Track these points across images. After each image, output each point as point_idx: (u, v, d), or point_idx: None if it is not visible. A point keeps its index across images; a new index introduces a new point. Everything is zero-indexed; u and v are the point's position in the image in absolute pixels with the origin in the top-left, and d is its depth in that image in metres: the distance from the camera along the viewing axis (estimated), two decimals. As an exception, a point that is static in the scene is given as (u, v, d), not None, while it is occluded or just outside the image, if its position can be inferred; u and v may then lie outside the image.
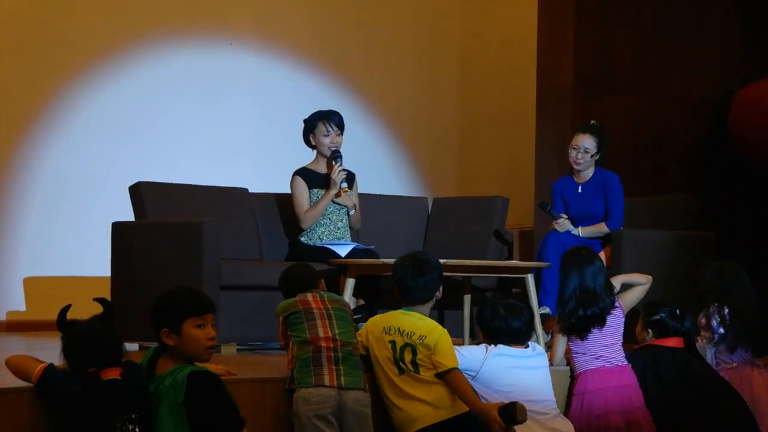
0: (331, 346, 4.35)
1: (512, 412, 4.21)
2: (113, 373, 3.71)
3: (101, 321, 3.82)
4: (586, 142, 6.28)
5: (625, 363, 4.95)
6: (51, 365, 3.74)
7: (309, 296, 4.52)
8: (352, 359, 4.39)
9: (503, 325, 4.74)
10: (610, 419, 4.80)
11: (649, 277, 5.29)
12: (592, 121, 6.47)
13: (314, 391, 4.26)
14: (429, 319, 4.62)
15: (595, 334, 4.95)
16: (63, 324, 3.79)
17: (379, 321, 4.62)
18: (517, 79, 9.61)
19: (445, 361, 4.46)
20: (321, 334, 4.37)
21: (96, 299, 3.91)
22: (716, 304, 5.19)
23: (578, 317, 4.93)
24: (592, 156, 6.31)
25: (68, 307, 3.82)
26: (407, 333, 4.51)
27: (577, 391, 4.90)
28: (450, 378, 4.45)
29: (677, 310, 5.06)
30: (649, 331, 5.10)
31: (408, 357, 4.48)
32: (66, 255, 8.11)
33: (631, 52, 8.30)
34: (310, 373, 4.29)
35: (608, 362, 4.92)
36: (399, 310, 4.63)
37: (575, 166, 6.32)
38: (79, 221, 8.12)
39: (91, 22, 8.36)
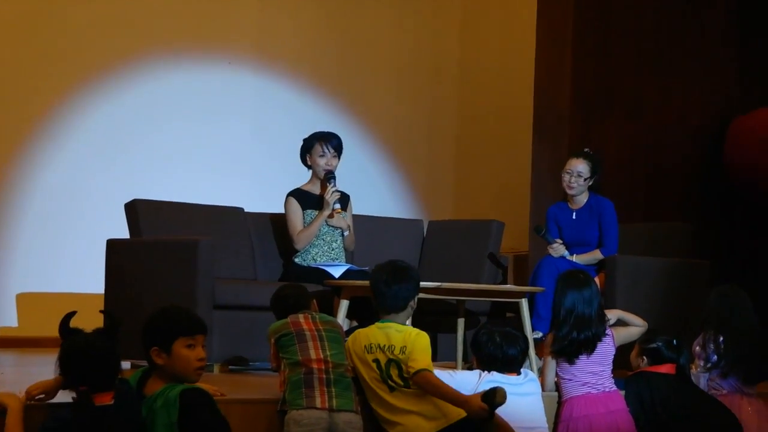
0: (323, 368, 4.34)
1: (492, 397, 4.27)
2: (105, 399, 3.63)
3: (103, 336, 3.74)
4: (580, 167, 6.30)
5: (614, 389, 4.94)
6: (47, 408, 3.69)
7: (301, 317, 4.51)
8: (343, 381, 4.38)
9: (498, 353, 4.74)
10: None
11: (645, 323, 5.29)
12: (586, 149, 6.49)
13: (306, 413, 4.25)
14: (406, 327, 4.56)
15: (583, 360, 4.94)
16: (65, 330, 3.73)
17: (359, 339, 4.57)
18: (513, 102, 9.63)
19: (414, 364, 4.41)
20: (313, 356, 4.36)
21: (102, 311, 3.87)
22: (713, 330, 5.19)
23: (570, 340, 4.93)
24: (585, 180, 6.31)
25: (73, 313, 3.75)
26: (388, 348, 4.48)
27: (563, 418, 4.90)
28: (419, 379, 4.40)
29: (674, 340, 5.06)
30: (644, 358, 5.10)
31: (395, 372, 4.46)
32: (59, 271, 8.09)
33: (630, 77, 8.32)
34: (301, 395, 4.28)
35: (594, 388, 4.91)
36: (375, 324, 4.58)
37: (568, 191, 6.34)
38: (73, 238, 8.12)
39: (89, 40, 8.37)
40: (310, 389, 4.28)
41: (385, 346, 4.49)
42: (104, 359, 3.69)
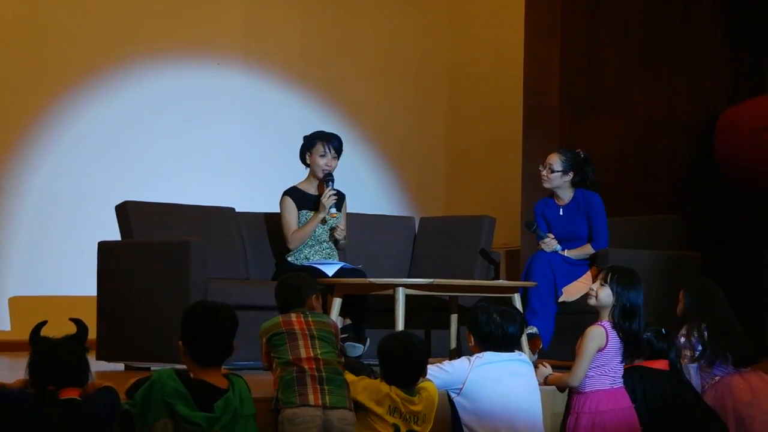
0: (314, 366, 4.32)
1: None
2: (71, 393, 3.65)
3: (72, 341, 3.78)
4: (553, 159, 6.34)
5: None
6: (1, 384, 3.71)
7: (293, 316, 4.50)
8: (336, 379, 4.36)
9: (498, 331, 4.68)
10: None
11: None
12: (578, 150, 6.48)
13: (299, 411, 4.24)
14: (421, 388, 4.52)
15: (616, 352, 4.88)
16: (34, 339, 3.77)
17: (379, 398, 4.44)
18: (504, 99, 9.64)
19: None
20: (303, 354, 4.35)
21: (71, 319, 3.89)
22: (695, 322, 5.21)
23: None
24: (560, 174, 6.32)
25: (44, 323, 3.79)
26: (408, 417, 4.43)
27: (586, 410, 4.79)
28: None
29: (662, 330, 5.07)
30: None
31: None
32: (52, 274, 8.09)
33: (618, 72, 8.33)
34: (294, 393, 4.27)
35: (616, 384, 4.85)
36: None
37: (543, 184, 6.39)
38: (66, 240, 8.11)
39: (79, 42, 8.37)
40: (303, 387, 4.27)
41: (405, 415, 4.43)
42: (71, 361, 3.71)
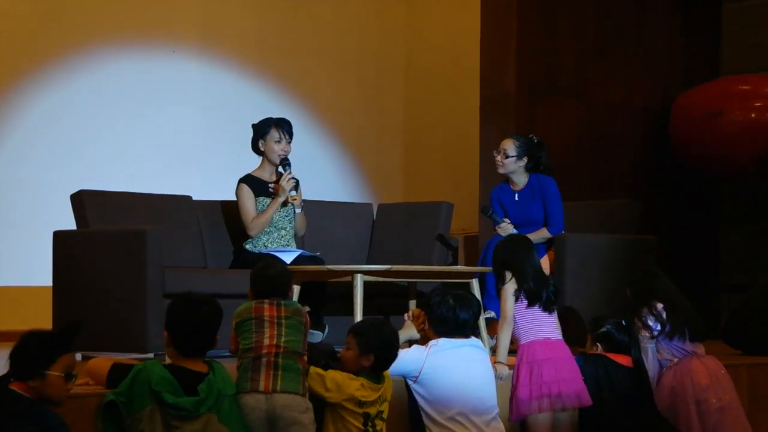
0: (273, 352, 4.28)
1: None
2: (17, 386, 3.69)
3: (45, 335, 3.79)
4: (506, 145, 6.38)
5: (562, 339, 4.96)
6: None
7: (266, 303, 4.41)
8: (294, 366, 4.30)
9: (451, 315, 4.70)
10: (563, 387, 4.79)
11: None
12: (531, 135, 6.52)
13: (248, 398, 4.19)
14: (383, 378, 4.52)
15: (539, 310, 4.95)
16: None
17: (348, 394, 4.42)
18: (460, 85, 9.65)
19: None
20: (266, 342, 4.31)
21: (68, 325, 3.91)
22: (647, 305, 5.25)
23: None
24: (513, 159, 6.36)
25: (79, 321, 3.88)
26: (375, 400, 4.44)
27: (524, 361, 4.88)
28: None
29: (622, 321, 5.11)
30: (598, 345, 5.15)
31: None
32: (8, 264, 8.02)
33: (574, 58, 8.37)
34: (247, 379, 4.23)
35: (552, 336, 4.91)
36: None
37: (497, 169, 6.43)
38: (21, 230, 8.04)
39: (31, 29, 8.29)
40: (256, 373, 4.23)
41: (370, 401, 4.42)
42: (23, 352, 3.74)
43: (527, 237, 5.39)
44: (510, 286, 4.94)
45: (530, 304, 4.93)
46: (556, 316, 5.00)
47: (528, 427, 4.87)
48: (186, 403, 3.92)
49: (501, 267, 5.01)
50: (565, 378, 4.82)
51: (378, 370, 4.47)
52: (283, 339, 4.33)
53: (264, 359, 4.26)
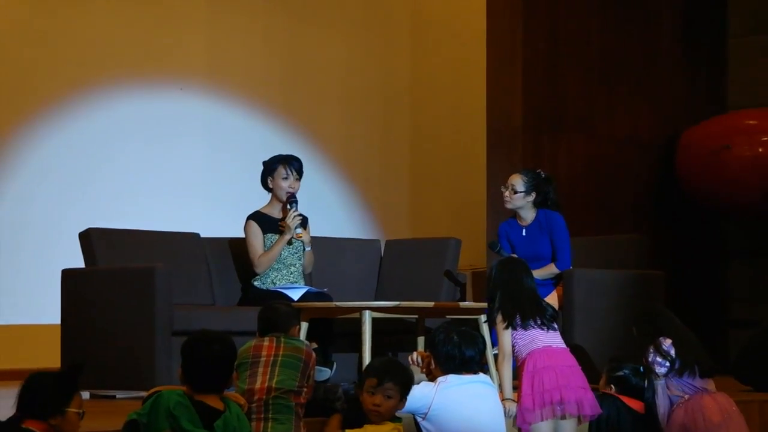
0: (264, 397, 4.32)
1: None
2: (33, 425, 3.69)
3: (57, 375, 3.83)
4: (515, 180, 6.41)
5: (566, 347, 4.93)
6: None
7: (266, 341, 4.47)
8: (285, 406, 4.33)
9: (456, 352, 4.68)
10: (564, 394, 4.76)
11: None
12: (538, 170, 6.54)
13: None
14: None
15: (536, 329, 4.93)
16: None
17: None
18: (467, 120, 9.68)
19: None
20: (257, 384, 4.35)
21: (73, 364, 3.96)
22: (654, 343, 5.23)
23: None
24: (522, 195, 6.37)
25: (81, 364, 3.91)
26: None
27: (526, 371, 4.85)
28: None
29: (641, 367, 5.10)
30: (612, 386, 5.14)
31: None
32: (17, 303, 8.02)
33: (580, 93, 8.40)
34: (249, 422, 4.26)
35: (553, 344, 4.88)
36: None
37: (505, 205, 6.44)
38: (29, 268, 8.05)
39: (41, 69, 8.34)
40: (250, 419, 4.24)
41: None
42: (39, 392, 3.78)
43: (524, 261, 5.37)
44: (500, 323, 4.89)
45: (524, 322, 4.87)
46: (558, 333, 4.96)
47: None
48: None
49: (494, 287, 4.99)
50: (565, 385, 4.78)
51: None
52: (275, 380, 4.37)
53: (254, 405, 4.31)
